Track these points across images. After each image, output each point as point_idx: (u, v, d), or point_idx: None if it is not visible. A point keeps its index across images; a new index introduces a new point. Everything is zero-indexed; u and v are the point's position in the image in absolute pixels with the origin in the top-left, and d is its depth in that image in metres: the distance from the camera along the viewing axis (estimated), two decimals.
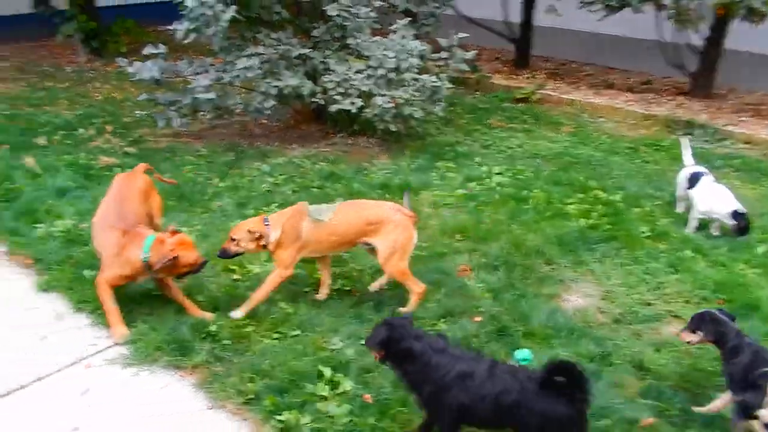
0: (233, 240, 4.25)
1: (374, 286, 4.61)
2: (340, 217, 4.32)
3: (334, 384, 3.65)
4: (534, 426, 2.90)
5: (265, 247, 4.26)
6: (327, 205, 4.47)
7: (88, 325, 4.23)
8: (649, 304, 4.55)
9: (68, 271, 4.70)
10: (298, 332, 4.09)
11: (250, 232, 4.21)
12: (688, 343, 3.64)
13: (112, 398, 3.64)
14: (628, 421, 3.48)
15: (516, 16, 10.66)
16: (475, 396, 2.99)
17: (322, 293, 4.52)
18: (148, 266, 4.07)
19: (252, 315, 4.23)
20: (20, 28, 11.91)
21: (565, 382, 2.83)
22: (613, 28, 9.73)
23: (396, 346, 3.15)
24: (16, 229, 5.31)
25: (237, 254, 4.32)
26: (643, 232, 5.45)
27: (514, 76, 10.43)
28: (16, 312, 4.36)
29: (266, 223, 4.27)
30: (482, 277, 4.75)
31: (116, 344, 4.03)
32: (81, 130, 7.66)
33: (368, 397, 3.56)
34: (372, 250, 4.39)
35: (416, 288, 4.36)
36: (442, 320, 4.25)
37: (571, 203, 5.96)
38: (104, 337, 4.11)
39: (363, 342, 3.97)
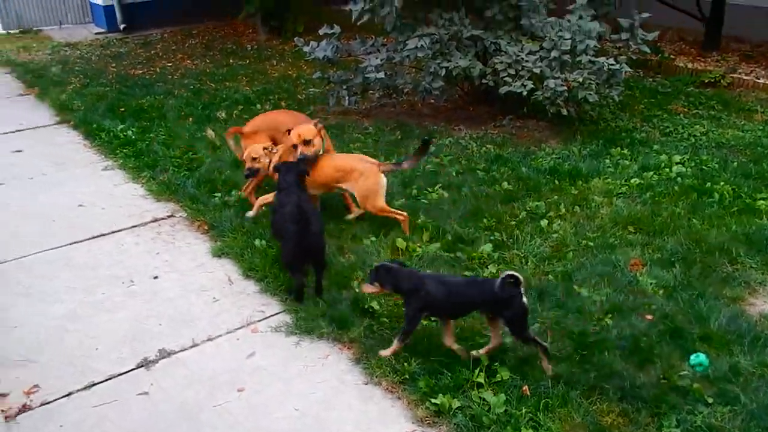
0: (254, 159, 5.02)
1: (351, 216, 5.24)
2: (320, 161, 4.94)
3: (490, 372, 3.56)
4: None
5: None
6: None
7: (256, 291, 4.45)
8: None
9: (240, 239, 4.96)
10: None
11: (264, 149, 5.03)
12: (372, 293, 3.87)
13: (276, 363, 3.80)
14: None
15: None
16: None
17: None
18: None
19: None
20: (209, 9, 12.82)
21: None
22: None
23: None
24: (195, 197, 5.70)
25: (257, 171, 5.06)
26: None
27: (702, 59, 9.56)
28: (193, 275, 4.68)
29: (273, 150, 5.08)
30: (656, 273, 4.41)
31: (281, 312, 4.22)
32: (258, 106, 8.09)
33: (526, 389, 3.44)
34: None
35: (399, 216, 4.93)
36: (609, 315, 4.00)
37: (762, 198, 5.39)
38: (270, 304, 4.31)
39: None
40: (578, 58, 6.50)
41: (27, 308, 4.33)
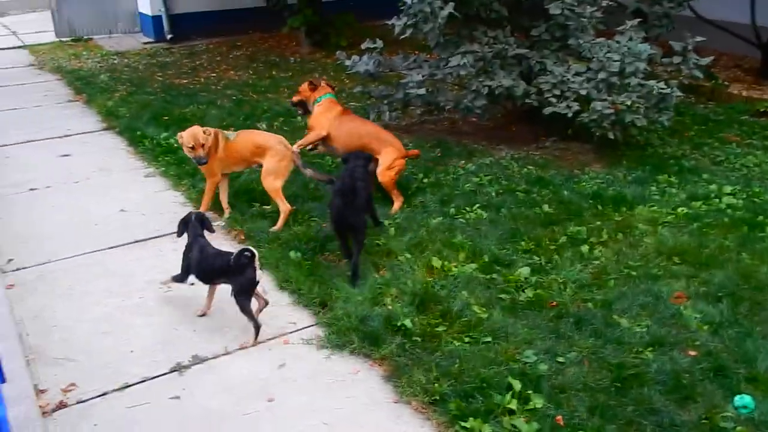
0: (203, 145, 5.23)
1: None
2: (239, 138, 5.46)
3: (523, 399, 3.46)
4: None
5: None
6: (232, 132, 5.65)
7: (289, 303, 4.44)
8: None
9: (275, 251, 4.95)
10: (489, 339, 3.94)
11: (205, 132, 5.26)
12: None
13: (306, 376, 3.77)
14: None
15: (766, 19, 9.46)
16: None
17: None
18: None
19: (444, 314, 4.16)
20: (254, 21, 13.03)
21: None
22: None
23: None
24: (233, 206, 5.73)
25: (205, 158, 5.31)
26: None
27: (758, 87, 9.25)
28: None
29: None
30: (700, 308, 4.23)
31: (313, 325, 4.21)
32: (298, 118, 8.01)
33: (560, 419, 3.33)
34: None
35: (283, 206, 5.34)
36: (650, 348, 3.85)
37: None
38: (303, 316, 4.30)
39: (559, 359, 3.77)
40: (627, 81, 6.36)
41: (67, 309, 4.41)
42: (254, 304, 4.11)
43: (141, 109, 8.53)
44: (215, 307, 4.40)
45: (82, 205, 5.95)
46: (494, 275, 4.62)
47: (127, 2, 13.47)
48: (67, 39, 13.12)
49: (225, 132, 5.58)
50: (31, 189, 6.29)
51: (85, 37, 13.27)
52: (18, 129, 7.99)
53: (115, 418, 3.47)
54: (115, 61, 11.47)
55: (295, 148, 5.64)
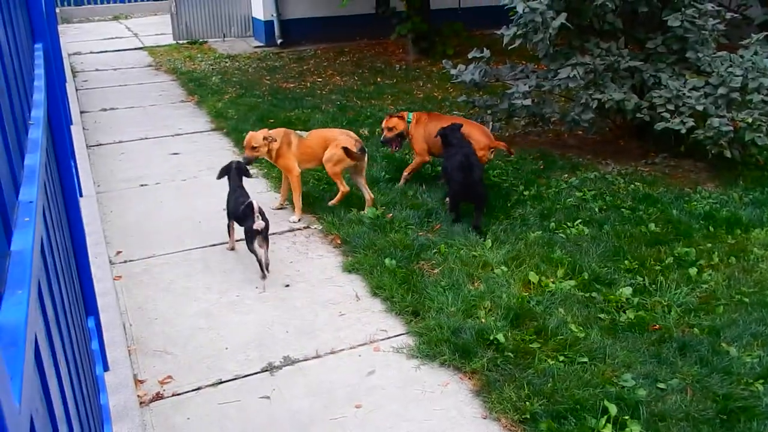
0: (254, 148, 5.61)
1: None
2: (311, 137, 5.90)
3: (619, 424, 3.30)
4: None
5: (270, 156, 5.73)
6: (301, 131, 6.11)
7: (381, 310, 4.44)
8: None
9: (370, 257, 4.97)
10: (586, 359, 3.79)
11: (265, 138, 5.60)
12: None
13: (395, 384, 3.75)
14: None
15: None
16: None
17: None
18: None
19: (539, 331, 4.04)
20: (362, 28, 13.24)
21: None
22: None
23: None
24: (332, 210, 5.81)
25: (256, 159, 5.84)
26: None
27: None
28: (322, 287, 4.74)
29: (273, 140, 5.68)
30: None
31: (404, 334, 4.17)
32: None
33: None
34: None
35: (341, 187, 5.82)
36: (761, 381, 3.59)
37: None
38: (395, 324, 4.27)
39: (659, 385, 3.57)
40: (749, 97, 5.98)
41: (168, 302, 4.57)
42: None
43: (248, 111, 8.80)
44: (310, 310, 4.47)
45: (188, 202, 6.19)
46: (594, 294, 4.45)
47: (242, 7, 14.05)
48: (184, 41, 13.81)
49: (297, 132, 6.02)
50: (142, 185, 6.61)
51: (201, 40, 13.91)
52: (134, 126, 8.45)
53: (207, 413, 3.55)
54: (227, 64, 11.92)
55: (402, 182, 6.31)
